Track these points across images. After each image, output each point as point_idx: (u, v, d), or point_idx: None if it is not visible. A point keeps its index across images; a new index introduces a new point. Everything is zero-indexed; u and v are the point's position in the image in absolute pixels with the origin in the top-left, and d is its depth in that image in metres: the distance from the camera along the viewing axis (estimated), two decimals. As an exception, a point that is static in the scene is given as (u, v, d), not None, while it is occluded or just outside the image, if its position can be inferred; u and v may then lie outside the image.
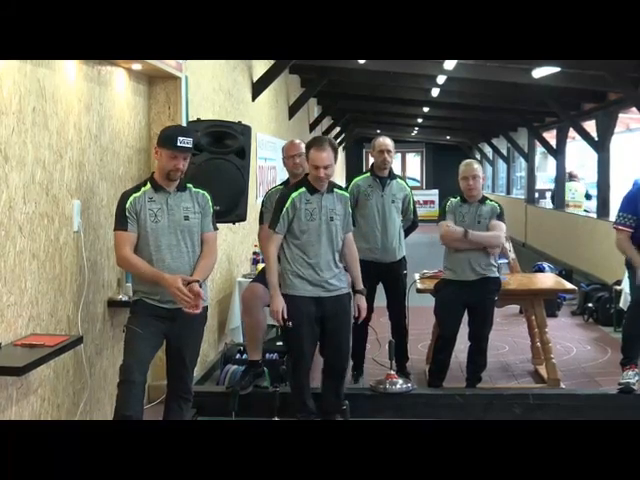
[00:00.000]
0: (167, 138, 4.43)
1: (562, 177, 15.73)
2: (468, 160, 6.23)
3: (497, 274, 6.07)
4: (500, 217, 5.99)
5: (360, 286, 5.24)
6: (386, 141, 6.46)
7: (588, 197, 15.62)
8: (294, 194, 4.99)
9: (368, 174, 6.53)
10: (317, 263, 4.99)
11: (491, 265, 5.98)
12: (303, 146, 5.76)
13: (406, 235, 6.66)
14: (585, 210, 14.98)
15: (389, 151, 6.42)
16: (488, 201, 6.07)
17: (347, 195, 5.23)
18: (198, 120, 5.85)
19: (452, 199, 6.12)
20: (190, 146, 4.43)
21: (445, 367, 6.18)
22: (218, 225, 4.71)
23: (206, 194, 4.58)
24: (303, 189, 5.01)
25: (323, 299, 5.01)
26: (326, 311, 5.03)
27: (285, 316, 4.95)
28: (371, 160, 6.68)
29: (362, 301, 5.20)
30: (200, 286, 4.38)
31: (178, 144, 4.36)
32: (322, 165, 4.90)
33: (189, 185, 4.54)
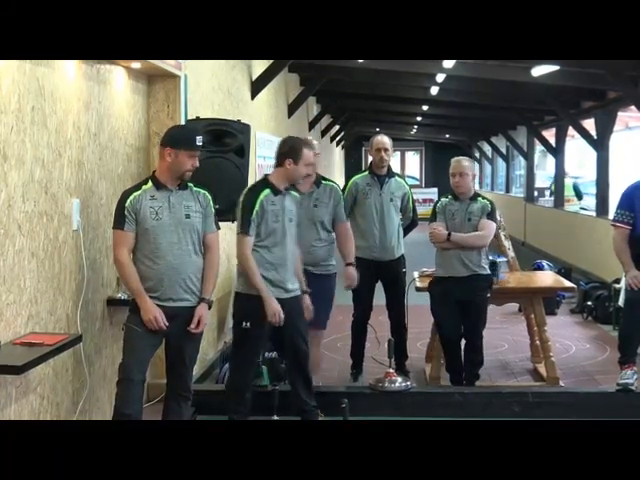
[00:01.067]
0: (186, 139, 4.47)
1: (561, 175, 15.74)
2: (458, 157, 6.23)
3: (488, 271, 6.08)
4: (490, 215, 5.99)
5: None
6: (384, 139, 6.47)
7: (579, 195, 15.63)
8: (261, 196, 4.95)
9: (366, 172, 6.55)
10: (280, 265, 4.99)
11: (482, 262, 5.99)
12: (316, 145, 5.88)
13: (406, 233, 6.67)
14: (582, 208, 15.00)
15: (387, 149, 6.43)
16: (480, 198, 6.07)
17: (298, 197, 5.26)
18: (197, 119, 5.85)
19: (442, 199, 6.16)
20: (202, 143, 4.57)
21: (457, 362, 6.18)
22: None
23: (207, 194, 4.58)
24: (267, 190, 4.98)
25: (283, 300, 4.99)
26: (285, 312, 5.00)
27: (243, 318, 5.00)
28: (370, 158, 6.69)
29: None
30: (210, 304, 4.54)
31: (197, 143, 4.47)
32: (312, 163, 5.20)
33: (190, 184, 4.55)
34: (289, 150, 5.04)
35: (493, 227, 6.02)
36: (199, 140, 4.50)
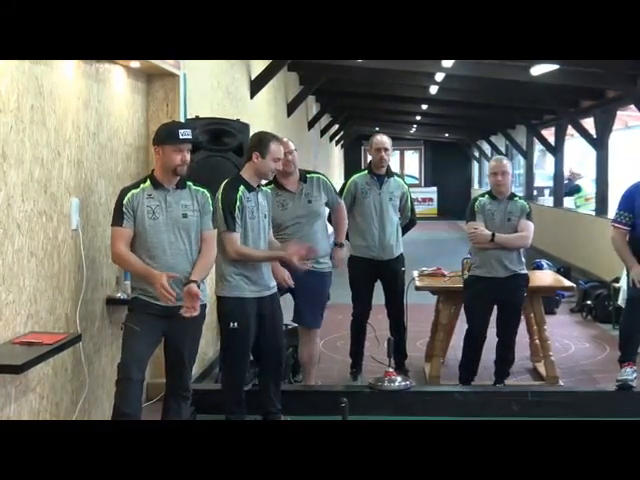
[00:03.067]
0: (168, 134, 4.45)
1: (561, 174, 15.74)
2: (498, 156, 6.33)
3: (525, 270, 6.13)
4: (529, 216, 6.04)
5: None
6: (383, 139, 6.48)
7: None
8: (239, 192, 4.91)
9: (366, 172, 6.56)
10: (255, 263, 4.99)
11: (521, 261, 6.03)
12: (292, 144, 5.77)
13: (404, 233, 6.67)
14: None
15: (386, 149, 6.44)
16: (517, 198, 6.13)
17: (269, 192, 5.26)
18: (196, 118, 5.85)
19: (480, 198, 6.16)
20: (191, 137, 4.48)
21: (476, 362, 6.21)
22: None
23: (206, 192, 4.58)
24: (242, 187, 4.95)
25: (264, 298, 5.01)
26: (265, 309, 5.02)
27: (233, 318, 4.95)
28: (369, 158, 6.70)
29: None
30: (198, 286, 4.39)
31: (181, 137, 4.41)
32: (280, 158, 5.05)
33: (189, 183, 4.55)
34: (256, 143, 5.02)
35: (532, 227, 6.05)
36: (183, 133, 4.43)
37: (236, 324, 4.92)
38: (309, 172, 5.92)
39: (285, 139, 5.85)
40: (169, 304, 4.33)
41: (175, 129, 4.49)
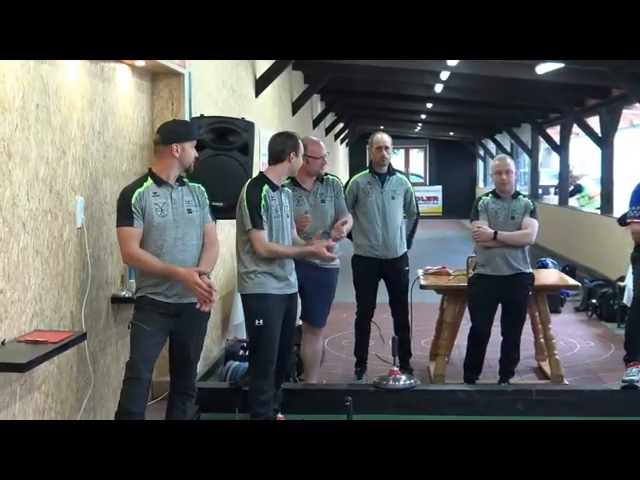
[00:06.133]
0: (189, 131, 4.56)
1: (566, 173, 15.74)
2: (501, 155, 6.31)
3: (530, 269, 6.12)
4: (533, 213, 6.03)
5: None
6: (384, 137, 6.47)
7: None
8: (263, 191, 4.93)
9: (367, 171, 6.55)
10: (282, 259, 4.99)
11: (526, 260, 6.03)
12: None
13: (414, 231, 6.64)
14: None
15: (387, 147, 6.43)
16: (521, 196, 6.13)
17: (290, 192, 5.26)
18: (201, 116, 5.85)
19: (484, 197, 6.17)
20: None
21: (480, 361, 6.23)
22: (221, 221, 4.74)
23: (201, 187, 4.61)
24: (266, 186, 4.97)
25: (287, 296, 5.02)
26: (286, 308, 5.03)
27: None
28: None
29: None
30: (208, 277, 4.42)
31: (197, 132, 4.60)
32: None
33: (185, 179, 4.56)
34: (292, 144, 5.04)
35: (537, 225, 6.04)
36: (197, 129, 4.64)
37: (261, 321, 4.90)
38: (327, 174, 5.94)
39: (322, 142, 5.90)
40: (177, 301, 4.36)
41: (191, 125, 4.64)
